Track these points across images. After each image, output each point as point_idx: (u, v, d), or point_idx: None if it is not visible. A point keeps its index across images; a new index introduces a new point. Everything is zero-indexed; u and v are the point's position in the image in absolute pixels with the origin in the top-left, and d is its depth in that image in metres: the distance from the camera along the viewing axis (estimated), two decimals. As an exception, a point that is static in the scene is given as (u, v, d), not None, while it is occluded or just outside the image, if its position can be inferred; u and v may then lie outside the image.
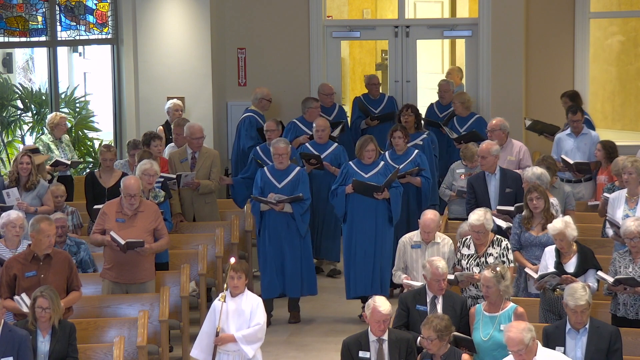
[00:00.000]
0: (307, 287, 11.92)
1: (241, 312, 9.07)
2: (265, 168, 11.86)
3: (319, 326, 11.82)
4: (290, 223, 11.70)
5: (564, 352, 8.40)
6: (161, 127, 14.01)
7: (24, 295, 9.29)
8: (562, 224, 9.39)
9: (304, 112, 13.99)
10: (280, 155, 11.65)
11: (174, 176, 12.30)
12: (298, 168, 11.84)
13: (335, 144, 13.09)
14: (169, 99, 14.67)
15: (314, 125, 13.07)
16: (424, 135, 13.19)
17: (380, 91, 15.37)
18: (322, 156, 12.85)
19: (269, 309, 11.64)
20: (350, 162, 11.83)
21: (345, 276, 11.89)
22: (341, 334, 10.84)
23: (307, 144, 13.11)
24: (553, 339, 8.50)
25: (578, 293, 8.41)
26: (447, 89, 14.88)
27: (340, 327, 11.68)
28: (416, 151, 12.40)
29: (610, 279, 9.10)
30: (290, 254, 11.76)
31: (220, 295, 9.07)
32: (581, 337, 8.44)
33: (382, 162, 11.80)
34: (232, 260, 9.09)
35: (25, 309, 9.15)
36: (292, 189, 11.64)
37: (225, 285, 9.08)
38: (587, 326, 8.45)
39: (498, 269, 8.78)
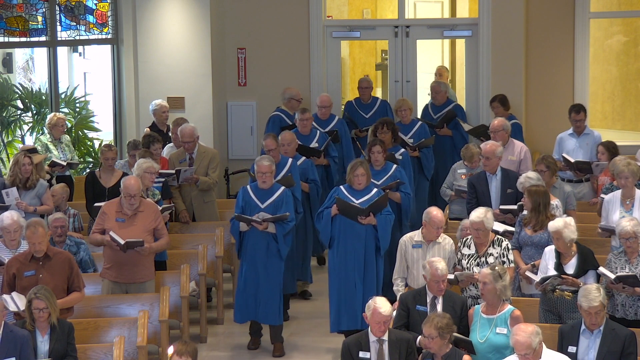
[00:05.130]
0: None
1: None
2: (247, 186, 11.10)
3: (318, 326, 11.80)
4: (271, 245, 10.89)
5: (576, 352, 8.40)
6: (148, 129, 13.94)
7: (14, 294, 9.28)
8: (561, 223, 9.39)
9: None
10: (263, 173, 10.88)
11: (173, 172, 12.31)
12: (283, 188, 11.02)
13: (304, 158, 12.47)
14: (169, 99, 14.66)
15: (279, 138, 12.34)
16: (403, 150, 12.69)
17: (380, 93, 15.28)
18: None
19: (255, 332, 11.16)
20: (341, 187, 10.95)
21: (330, 308, 10.88)
22: (341, 334, 10.83)
23: None
24: (567, 339, 8.49)
25: (592, 294, 8.39)
26: (439, 89, 14.81)
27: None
28: (395, 166, 11.76)
29: (612, 275, 9.09)
30: (267, 279, 10.93)
31: None
32: (595, 338, 8.42)
33: (375, 189, 10.91)
34: (170, 350, 7.77)
35: (12, 308, 9.14)
36: (276, 209, 10.87)
37: None
38: (601, 328, 8.43)
39: (497, 268, 8.79)
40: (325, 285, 11.40)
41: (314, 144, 13.04)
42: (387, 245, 10.83)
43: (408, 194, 11.71)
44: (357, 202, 10.77)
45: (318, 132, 13.33)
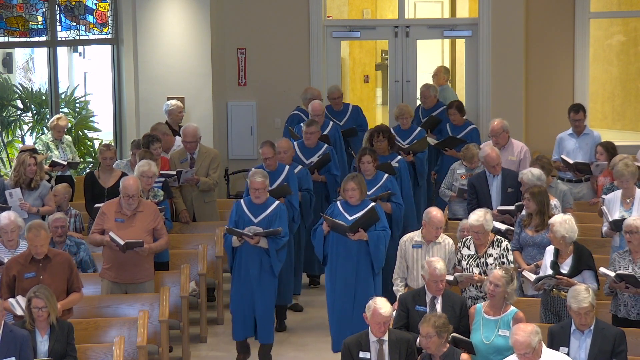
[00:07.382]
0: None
1: None
2: (241, 201, 10.80)
3: (318, 326, 11.80)
4: (264, 260, 10.54)
5: (568, 353, 8.41)
6: None
7: (19, 297, 9.25)
8: (559, 218, 9.43)
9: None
10: (256, 189, 10.55)
11: (174, 173, 12.32)
12: (277, 202, 10.70)
13: (300, 167, 12.18)
14: (169, 99, 14.67)
15: (276, 145, 12.11)
16: (399, 157, 12.44)
17: (380, 94, 15.19)
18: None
19: (243, 349, 10.76)
20: (338, 202, 10.64)
21: (330, 327, 10.63)
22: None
23: None
24: (558, 339, 8.49)
25: (581, 295, 8.40)
26: (428, 94, 14.73)
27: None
28: (386, 176, 11.42)
29: (612, 274, 9.10)
30: (262, 296, 10.60)
31: None
32: (585, 338, 8.42)
33: (373, 204, 10.58)
34: None
35: (19, 312, 9.12)
36: (269, 224, 10.52)
37: None
38: (592, 327, 8.43)
39: (507, 272, 8.79)
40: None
41: (316, 157, 12.72)
42: (382, 263, 10.49)
43: (400, 204, 11.46)
44: (351, 217, 10.42)
45: (325, 145, 12.96)
